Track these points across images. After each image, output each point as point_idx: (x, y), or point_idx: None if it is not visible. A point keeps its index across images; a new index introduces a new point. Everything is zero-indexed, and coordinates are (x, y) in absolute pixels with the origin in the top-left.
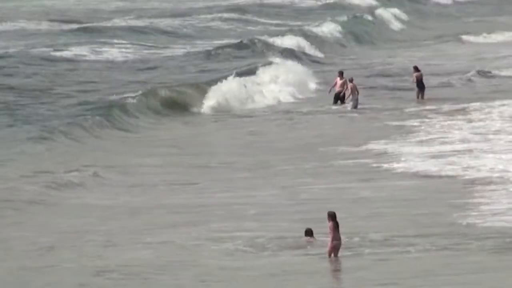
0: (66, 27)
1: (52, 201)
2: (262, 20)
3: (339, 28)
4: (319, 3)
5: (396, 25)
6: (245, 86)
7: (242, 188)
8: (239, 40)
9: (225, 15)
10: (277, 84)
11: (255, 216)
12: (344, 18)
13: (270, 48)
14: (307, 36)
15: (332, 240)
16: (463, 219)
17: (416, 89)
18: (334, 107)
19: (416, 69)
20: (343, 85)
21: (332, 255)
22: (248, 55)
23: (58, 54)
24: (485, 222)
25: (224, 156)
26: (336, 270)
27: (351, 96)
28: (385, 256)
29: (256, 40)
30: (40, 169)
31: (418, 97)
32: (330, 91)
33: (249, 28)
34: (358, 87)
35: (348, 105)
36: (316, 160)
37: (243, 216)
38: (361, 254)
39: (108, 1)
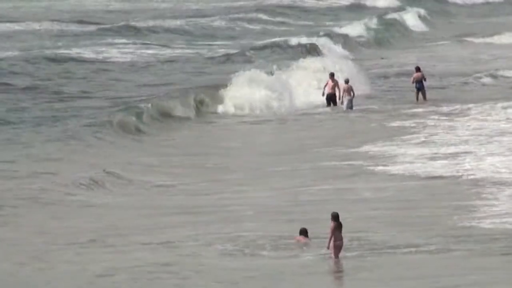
0: (83, 28)
1: (51, 201)
2: (286, 20)
3: (363, 29)
4: (321, 2)
5: (415, 27)
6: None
7: (239, 190)
8: (269, 41)
9: (247, 15)
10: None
11: (252, 217)
12: (367, 19)
13: (297, 48)
14: (332, 36)
15: (333, 240)
16: (465, 221)
17: (415, 90)
18: (328, 108)
19: (418, 69)
20: (334, 86)
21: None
22: (275, 56)
23: (76, 55)
24: (488, 224)
25: (222, 158)
26: (336, 272)
27: (345, 97)
28: (386, 257)
29: (282, 42)
30: (46, 170)
31: (417, 98)
32: (323, 93)
33: (271, 28)
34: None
35: (343, 106)
36: (313, 161)
37: (240, 217)
38: (362, 256)
39: (107, 2)
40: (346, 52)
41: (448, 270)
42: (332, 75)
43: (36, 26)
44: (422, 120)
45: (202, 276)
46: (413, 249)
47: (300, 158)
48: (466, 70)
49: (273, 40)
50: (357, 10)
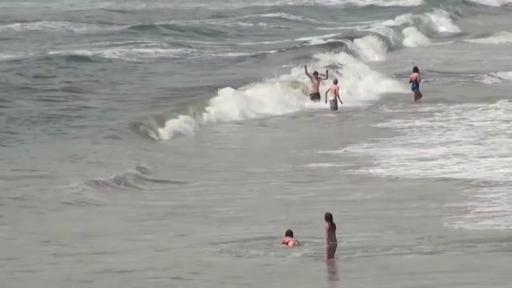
0: (103, 28)
1: (40, 202)
2: (308, 20)
3: (389, 29)
4: (340, 2)
5: (444, 27)
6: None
7: (225, 191)
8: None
9: (270, 15)
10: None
11: (239, 218)
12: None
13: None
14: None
15: (328, 242)
16: (456, 222)
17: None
18: (314, 110)
19: (415, 70)
20: (318, 85)
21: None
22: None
23: (110, 55)
24: (478, 226)
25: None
26: (327, 272)
27: (329, 97)
28: (377, 258)
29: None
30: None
31: (416, 97)
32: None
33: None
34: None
35: (328, 106)
36: (297, 163)
37: (226, 218)
38: (352, 257)
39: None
40: (378, 55)
41: (439, 271)
42: (316, 74)
43: (52, 25)
44: (412, 121)
45: (190, 279)
46: (405, 251)
47: (283, 160)
48: (465, 70)
49: (301, 39)
50: (379, 10)
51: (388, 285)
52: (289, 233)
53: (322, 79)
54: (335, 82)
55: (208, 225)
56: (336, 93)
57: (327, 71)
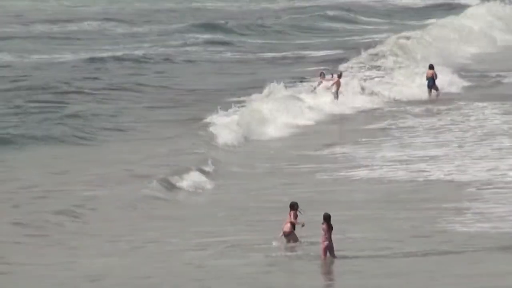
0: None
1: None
2: (373, 20)
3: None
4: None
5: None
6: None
7: (214, 192)
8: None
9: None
10: None
11: (234, 219)
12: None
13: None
14: None
15: (323, 241)
16: (453, 224)
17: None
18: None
19: (431, 67)
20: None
21: (328, 254)
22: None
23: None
24: (475, 228)
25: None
26: (324, 272)
27: (332, 89)
28: (374, 259)
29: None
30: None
31: (429, 95)
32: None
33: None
34: None
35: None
36: (287, 163)
37: (215, 219)
38: (349, 258)
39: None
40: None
41: (436, 272)
42: (322, 75)
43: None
44: (409, 120)
45: (182, 281)
46: (402, 251)
47: (275, 160)
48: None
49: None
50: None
51: (385, 285)
52: (292, 206)
53: (328, 79)
54: (339, 75)
55: (196, 227)
56: (338, 86)
57: (321, 73)
